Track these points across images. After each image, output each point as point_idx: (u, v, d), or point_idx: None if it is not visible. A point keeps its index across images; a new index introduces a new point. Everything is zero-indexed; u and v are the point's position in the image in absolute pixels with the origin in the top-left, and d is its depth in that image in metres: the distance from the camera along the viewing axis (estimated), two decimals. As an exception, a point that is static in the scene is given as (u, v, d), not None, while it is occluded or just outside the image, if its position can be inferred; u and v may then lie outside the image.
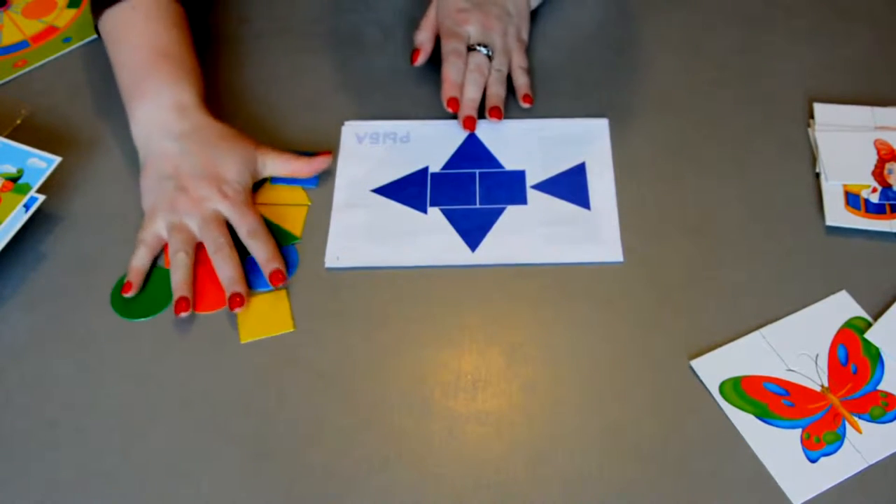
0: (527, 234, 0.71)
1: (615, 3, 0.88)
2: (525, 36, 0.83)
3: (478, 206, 0.73)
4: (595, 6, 0.88)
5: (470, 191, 0.74)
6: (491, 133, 0.77)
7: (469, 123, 0.77)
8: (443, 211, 0.73)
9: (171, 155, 0.71)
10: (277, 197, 0.75)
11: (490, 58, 0.79)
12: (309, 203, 0.74)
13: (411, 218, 0.72)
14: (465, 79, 0.78)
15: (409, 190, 0.74)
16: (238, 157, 0.72)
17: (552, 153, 0.76)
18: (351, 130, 0.79)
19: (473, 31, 0.79)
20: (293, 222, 0.73)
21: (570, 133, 0.77)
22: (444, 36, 0.80)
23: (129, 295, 0.68)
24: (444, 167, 0.75)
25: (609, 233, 0.70)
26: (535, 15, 0.86)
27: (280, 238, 0.72)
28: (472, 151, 0.76)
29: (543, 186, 0.74)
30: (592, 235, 0.70)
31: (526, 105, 0.78)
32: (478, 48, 0.78)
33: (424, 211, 0.73)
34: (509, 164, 0.75)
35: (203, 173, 0.70)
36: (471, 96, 0.77)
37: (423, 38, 0.82)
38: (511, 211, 0.72)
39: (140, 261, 0.69)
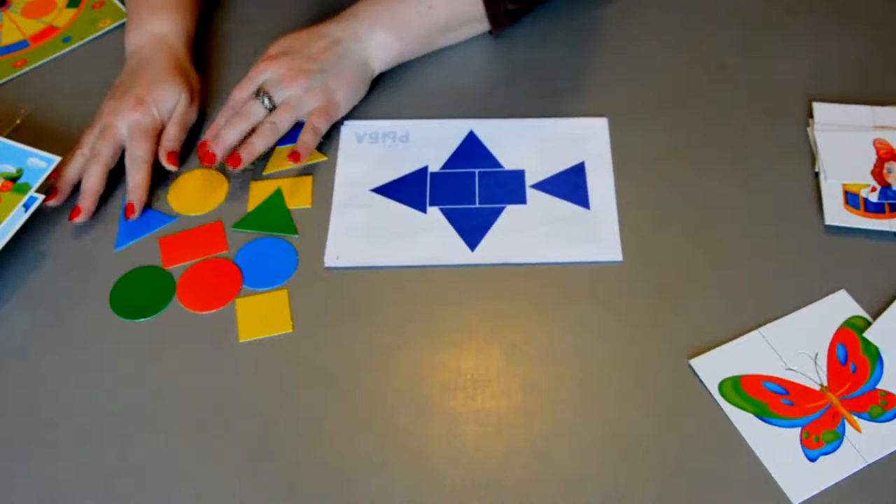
0: (526, 234, 0.71)
1: (615, 2, 0.88)
2: (339, 98, 0.76)
3: (477, 205, 0.73)
4: (594, 5, 0.88)
5: (469, 190, 0.74)
6: (490, 132, 0.77)
7: (206, 157, 0.73)
8: (442, 210, 0.73)
9: (124, 71, 0.79)
10: (287, 160, 0.76)
11: (270, 111, 0.74)
12: (325, 158, 0.77)
13: (411, 217, 0.72)
14: (229, 120, 0.75)
15: (408, 189, 0.74)
16: (168, 85, 0.76)
17: (551, 152, 0.76)
18: (350, 130, 0.79)
19: (268, 78, 0.75)
20: (301, 193, 0.74)
21: (569, 132, 0.77)
22: (239, 83, 0.76)
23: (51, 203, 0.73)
24: (444, 166, 0.75)
25: (608, 232, 0.70)
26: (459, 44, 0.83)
27: (278, 227, 0.72)
28: (471, 151, 0.76)
29: (543, 186, 0.74)
30: (592, 235, 0.70)
31: (290, 162, 0.73)
32: (258, 97, 0.74)
33: (424, 210, 0.73)
34: (508, 163, 0.75)
35: (130, 90, 0.75)
36: (224, 137, 0.73)
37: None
38: (510, 210, 0.72)
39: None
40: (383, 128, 0.79)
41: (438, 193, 0.74)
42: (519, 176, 0.74)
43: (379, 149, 0.77)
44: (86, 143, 0.75)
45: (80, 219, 0.72)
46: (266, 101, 0.74)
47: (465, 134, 0.78)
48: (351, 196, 0.74)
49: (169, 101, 0.76)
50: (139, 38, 0.80)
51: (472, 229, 0.71)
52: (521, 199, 0.73)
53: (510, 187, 0.74)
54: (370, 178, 0.75)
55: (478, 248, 0.70)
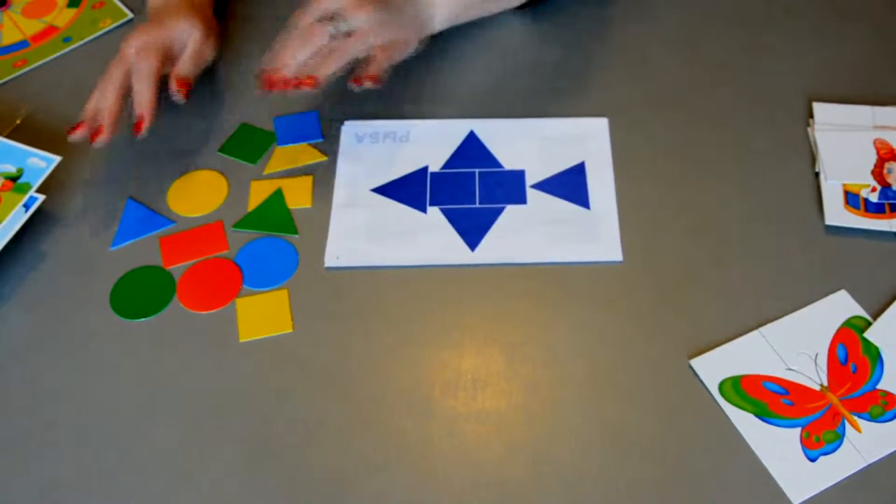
0: (526, 234, 0.71)
1: (616, 2, 0.88)
2: (405, 39, 0.75)
3: (477, 205, 0.73)
4: (595, 5, 0.88)
5: (469, 190, 0.74)
6: (491, 132, 0.77)
7: (271, 81, 0.70)
8: (442, 210, 0.73)
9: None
10: (287, 159, 0.77)
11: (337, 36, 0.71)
12: (325, 158, 0.77)
13: (411, 217, 0.72)
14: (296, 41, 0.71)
15: (408, 189, 0.74)
16: (182, 19, 0.77)
17: (552, 152, 0.76)
18: (351, 130, 0.79)
19: (338, 6, 0.71)
20: (301, 193, 0.74)
21: (569, 132, 0.77)
22: (303, 8, 0.72)
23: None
24: (444, 166, 0.75)
25: (608, 232, 0.70)
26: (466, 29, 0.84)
27: (278, 227, 0.72)
28: (471, 151, 0.76)
29: (543, 186, 0.74)
30: (592, 235, 0.70)
31: (361, 84, 0.71)
32: (328, 22, 0.70)
33: (424, 210, 0.73)
34: (509, 163, 0.75)
35: (152, 18, 0.78)
36: (292, 57, 0.70)
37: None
38: (510, 210, 0.72)
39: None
40: (384, 127, 0.79)
41: (438, 193, 0.74)
42: (519, 176, 0.74)
43: (379, 149, 0.77)
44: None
45: (101, 138, 0.72)
46: (332, 29, 0.70)
47: (465, 134, 0.78)
48: (351, 196, 0.74)
49: (182, 31, 0.77)
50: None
51: (472, 229, 0.71)
52: (521, 199, 0.73)
53: (510, 187, 0.74)
54: (370, 178, 0.75)
55: (478, 248, 0.70)
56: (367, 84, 0.71)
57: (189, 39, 0.77)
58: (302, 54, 0.70)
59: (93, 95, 0.74)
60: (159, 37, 0.76)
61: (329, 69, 0.70)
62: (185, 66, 0.77)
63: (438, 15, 0.79)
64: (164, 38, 0.76)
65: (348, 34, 0.71)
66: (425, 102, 0.80)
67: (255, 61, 0.85)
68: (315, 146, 0.78)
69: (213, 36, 0.80)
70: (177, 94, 0.75)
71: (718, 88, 0.80)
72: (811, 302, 0.66)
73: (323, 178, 0.76)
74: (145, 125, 0.73)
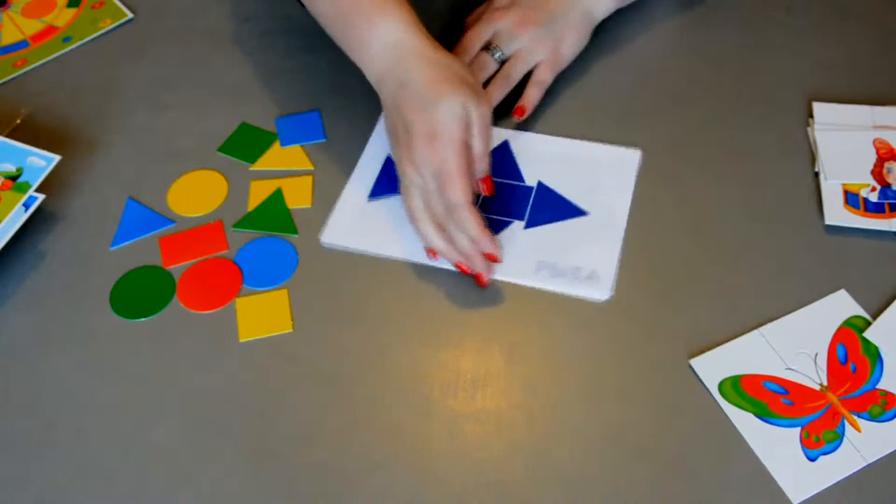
0: (521, 256, 0.69)
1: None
2: (565, 51, 0.78)
3: (485, 214, 0.70)
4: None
5: (483, 198, 0.71)
6: (523, 146, 0.76)
7: None
8: None
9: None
10: (287, 159, 0.77)
11: (502, 63, 0.76)
12: (313, 167, 0.76)
13: None
14: None
15: None
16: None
17: (575, 175, 0.74)
18: None
19: (501, 28, 0.76)
20: (301, 193, 0.74)
21: (598, 158, 0.75)
22: (468, 29, 0.78)
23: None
24: None
25: (607, 265, 0.68)
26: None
27: (278, 227, 0.72)
28: (500, 161, 0.74)
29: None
30: (586, 273, 0.68)
31: (515, 118, 0.76)
32: (489, 51, 0.76)
33: None
34: (531, 179, 0.74)
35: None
36: None
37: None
38: (514, 227, 0.71)
39: None
40: None
41: None
42: (532, 193, 0.73)
43: None
44: None
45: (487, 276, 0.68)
46: (497, 53, 0.76)
47: (498, 142, 0.76)
48: (368, 181, 0.74)
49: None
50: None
51: None
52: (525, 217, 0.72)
53: (522, 203, 0.72)
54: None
55: None
56: (516, 119, 0.75)
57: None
58: None
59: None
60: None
61: (497, 98, 0.75)
62: (480, 152, 0.67)
63: (601, 5, 0.80)
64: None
65: (506, 59, 0.76)
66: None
67: (254, 61, 0.85)
68: (315, 146, 0.78)
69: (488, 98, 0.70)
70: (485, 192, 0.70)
71: (718, 88, 0.80)
72: (811, 302, 0.66)
73: (323, 177, 0.76)
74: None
